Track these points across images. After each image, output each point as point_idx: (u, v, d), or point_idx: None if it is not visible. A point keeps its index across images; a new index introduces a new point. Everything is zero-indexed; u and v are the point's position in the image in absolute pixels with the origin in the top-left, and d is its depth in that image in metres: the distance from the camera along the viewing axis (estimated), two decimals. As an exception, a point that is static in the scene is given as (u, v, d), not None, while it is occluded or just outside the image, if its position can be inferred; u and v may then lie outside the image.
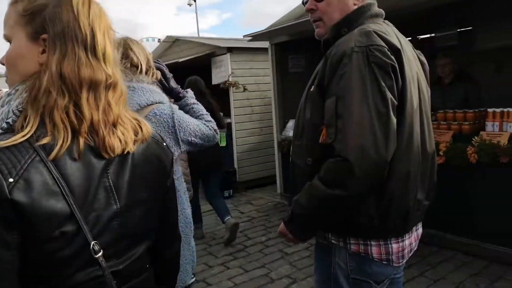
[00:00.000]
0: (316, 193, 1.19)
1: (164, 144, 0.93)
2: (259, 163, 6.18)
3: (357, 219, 1.23)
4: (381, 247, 1.25)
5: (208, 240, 4.21)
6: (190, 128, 1.62)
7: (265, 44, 5.36)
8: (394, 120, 1.12)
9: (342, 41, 1.19)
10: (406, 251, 1.31)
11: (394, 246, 1.26)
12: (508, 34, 4.46)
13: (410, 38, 5.61)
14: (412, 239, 1.34)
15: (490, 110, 3.29)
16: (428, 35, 5.46)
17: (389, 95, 1.11)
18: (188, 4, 23.25)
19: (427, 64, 1.42)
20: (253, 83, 6.06)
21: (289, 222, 1.30)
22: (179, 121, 1.59)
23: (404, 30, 4.37)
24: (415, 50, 1.39)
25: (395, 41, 1.18)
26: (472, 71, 4.43)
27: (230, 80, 5.85)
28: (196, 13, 27.30)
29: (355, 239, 1.26)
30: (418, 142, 1.25)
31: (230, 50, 5.85)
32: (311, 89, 1.28)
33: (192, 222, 1.74)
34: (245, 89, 5.92)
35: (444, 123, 3.60)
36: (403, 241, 1.28)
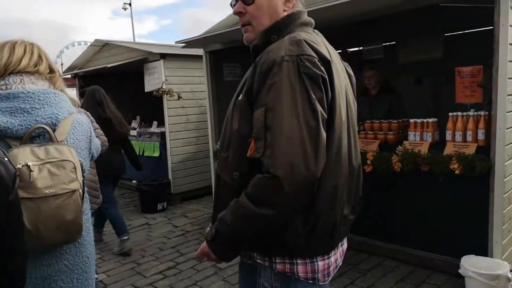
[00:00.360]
0: (243, 211, 1.12)
1: (6, 159, 0.88)
2: (195, 174, 5.99)
3: (283, 238, 1.18)
4: (307, 265, 1.22)
5: (137, 258, 3.94)
6: (95, 140, 1.56)
7: (200, 51, 5.24)
8: (324, 134, 1.10)
9: (272, 49, 1.15)
10: (331, 268, 1.28)
11: (320, 264, 1.23)
12: (426, 49, 4.80)
13: (340, 51, 5.87)
14: (337, 255, 1.32)
15: (412, 120, 3.46)
16: (356, 48, 5.71)
17: (319, 108, 1.09)
18: (123, 9, 23.09)
19: (354, 77, 1.42)
20: (188, 91, 5.88)
21: (212, 241, 1.21)
22: (91, 131, 1.53)
23: (335, 42, 4.46)
24: (343, 62, 1.39)
25: (325, 52, 1.16)
26: (395, 83, 4.68)
27: (163, 87, 5.62)
28: (132, 18, 26.51)
29: (281, 258, 1.21)
30: (346, 155, 1.23)
31: (163, 56, 5.63)
32: (239, 98, 1.22)
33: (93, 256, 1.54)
34: (179, 97, 5.71)
35: (371, 133, 3.73)
36: (329, 258, 1.26)
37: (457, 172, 2.92)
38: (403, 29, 4.92)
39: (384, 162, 3.36)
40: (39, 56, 1.43)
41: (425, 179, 3.20)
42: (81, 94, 4.93)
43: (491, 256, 2.83)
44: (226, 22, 4.66)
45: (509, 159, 2.91)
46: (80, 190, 1.30)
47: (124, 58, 6.18)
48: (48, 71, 1.44)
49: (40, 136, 1.30)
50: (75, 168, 1.28)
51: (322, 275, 1.24)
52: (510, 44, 2.79)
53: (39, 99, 1.33)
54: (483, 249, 2.89)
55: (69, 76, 8.39)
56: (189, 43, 5.11)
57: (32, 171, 1.19)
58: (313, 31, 1.30)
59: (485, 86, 3.13)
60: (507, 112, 2.81)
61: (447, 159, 2.99)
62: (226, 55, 5.21)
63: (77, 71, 7.09)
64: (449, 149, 3.07)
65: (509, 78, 2.80)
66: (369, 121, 3.86)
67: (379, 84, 4.34)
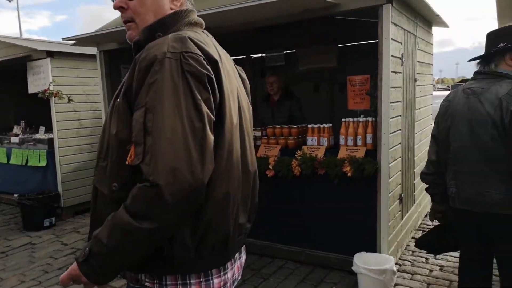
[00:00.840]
0: (121, 226, 1.00)
1: None
2: (89, 184, 5.45)
3: (170, 253, 1.07)
4: (202, 284, 1.12)
5: (15, 284, 3.39)
6: None
7: (94, 50, 4.81)
8: (211, 137, 1.02)
9: (154, 45, 1.05)
10: (228, 284, 1.21)
11: (216, 281, 1.15)
12: (322, 58, 5.08)
13: (244, 56, 5.91)
14: (235, 269, 1.25)
15: (309, 126, 3.60)
16: (259, 55, 5.83)
17: (205, 109, 1.01)
18: (8, 0, 21.21)
19: (247, 81, 1.38)
20: (81, 93, 5.33)
21: (84, 262, 1.07)
22: None
23: (238, 47, 4.47)
24: (236, 66, 1.35)
25: (213, 52, 1.10)
26: (296, 90, 4.86)
27: (50, 89, 5.02)
28: (18, 11, 23.41)
29: (173, 277, 1.11)
30: (239, 161, 1.17)
31: (50, 54, 5.00)
32: (118, 100, 1.11)
33: None
34: (70, 100, 5.11)
35: (273, 138, 3.80)
36: (225, 273, 1.18)
37: (349, 174, 3.10)
38: (302, 38, 5.15)
39: (284, 167, 3.43)
40: None
41: (322, 182, 3.34)
42: None
43: (379, 252, 3.05)
44: (121, 20, 4.35)
45: (393, 161, 3.18)
46: None
47: (3, 55, 5.41)
48: None
49: None
50: None
51: None
52: (392, 56, 3.06)
53: None
54: (374, 246, 3.11)
55: None
56: (80, 41, 4.64)
57: None
58: (203, 32, 1.24)
59: (371, 94, 3.40)
60: (391, 118, 3.07)
61: (341, 162, 3.16)
62: (124, 55, 4.84)
63: None
64: (342, 153, 3.25)
65: (391, 87, 3.07)
66: (271, 127, 3.93)
67: (281, 90, 4.47)
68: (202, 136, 0.99)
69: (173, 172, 0.95)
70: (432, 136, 2.28)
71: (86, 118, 5.41)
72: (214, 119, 1.05)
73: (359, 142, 3.29)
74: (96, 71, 4.94)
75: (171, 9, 1.20)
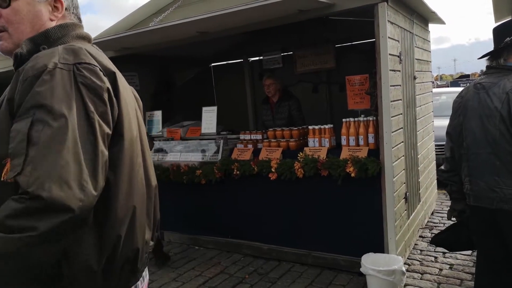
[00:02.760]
0: None
1: None
2: None
3: (72, 278, 0.96)
4: None
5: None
6: None
7: (90, 59, 4.79)
8: (104, 151, 0.96)
9: (43, 55, 0.99)
10: None
11: None
12: (320, 59, 5.08)
13: (241, 60, 5.91)
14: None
15: (310, 127, 3.58)
16: (257, 58, 5.83)
17: (98, 122, 0.95)
18: None
19: (140, 100, 1.33)
20: None
21: None
22: None
23: (235, 52, 4.43)
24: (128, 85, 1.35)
25: (108, 63, 1.07)
26: (294, 91, 4.86)
27: None
28: None
29: None
30: (142, 175, 1.13)
31: None
32: None
33: None
34: None
35: (274, 140, 3.78)
36: None
37: (352, 175, 3.07)
38: (299, 40, 5.15)
39: (287, 169, 3.41)
40: None
41: (325, 183, 3.32)
42: None
43: (387, 252, 3.03)
44: (117, 28, 4.35)
45: (396, 160, 3.16)
46: None
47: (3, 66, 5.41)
48: None
49: None
50: None
51: None
52: (390, 54, 3.04)
53: None
54: (381, 246, 3.08)
55: None
56: (78, 51, 4.65)
57: None
58: (92, 46, 1.18)
59: (371, 93, 3.38)
60: (392, 116, 3.05)
61: (343, 163, 3.14)
62: (122, 63, 4.82)
63: None
64: (344, 153, 3.23)
65: (391, 86, 3.05)
66: (271, 129, 3.92)
67: (279, 91, 4.47)
68: (93, 149, 0.93)
69: (60, 183, 0.85)
70: (447, 133, 2.26)
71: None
72: (110, 132, 0.99)
73: (361, 142, 3.28)
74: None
75: (51, 20, 1.13)
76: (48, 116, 0.89)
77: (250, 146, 3.91)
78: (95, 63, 1.00)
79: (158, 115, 5.07)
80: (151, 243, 1.21)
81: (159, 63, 5.37)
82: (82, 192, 0.88)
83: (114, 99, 1.02)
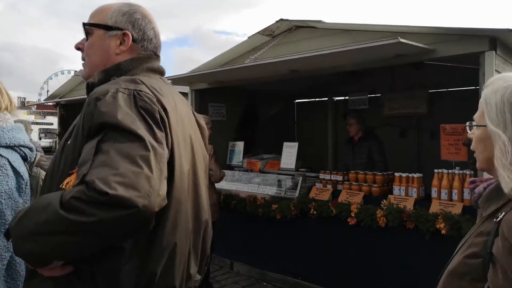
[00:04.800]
0: (51, 213, 0.90)
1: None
2: None
3: None
4: None
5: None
6: None
7: (186, 89, 5.21)
8: (164, 170, 0.97)
9: (106, 84, 1.06)
10: None
11: None
12: (411, 103, 4.87)
13: (326, 99, 5.93)
14: None
15: (397, 174, 3.40)
16: (342, 98, 5.79)
17: (161, 140, 0.97)
18: None
19: (206, 129, 1.37)
20: None
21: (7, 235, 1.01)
22: None
23: (322, 90, 4.45)
24: (195, 113, 1.34)
25: (165, 99, 1.07)
26: (380, 134, 4.69)
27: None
28: None
29: None
30: (187, 209, 1.11)
31: None
32: (68, 142, 1.10)
33: None
34: None
35: (356, 184, 3.65)
36: None
37: (443, 231, 2.82)
38: (388, 82, 5.02)
39: (368, 216, 3.25)
40: (7, 93, 1.54)
41: (410, 237, 3.08)
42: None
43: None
44: (213, 63, 4.67)
45: (495, 221, 2.82)
46: None
47: None
48: (14, 108, 1.56)
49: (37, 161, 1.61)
50: None
51: None
52: (495, 105, 2.80)
53: (25, 132, 1.58)
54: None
55: (51, 104, 8.22)
56: (175, 80, 5.07)
57: None
58: (160, 78, 1.21)
59: (469, 145, 3.11)
60: (493, 172, 2.76)
61: (433, 217, 2.90)
62: (212, 94, 5.18)
63: (58, 99, 6.93)
64: (435, 207, 2.99)
65: (494, 139, 2.78)
66: (353, 172, 3.80)
67: (361, 131, 4.39)
68: (160, 159, 0.94)
69: (126, 186, 0.87)
70: None
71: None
72: (167, 157, 1.00)
73: (455, 197, 3.01)
74: (188, 108, 5.28)
75: (116, 54, 1.17)
76: (116, 132, 0.93)
77: (329, 186, 3.82)
78: (151, 94, 1.03)
79: (240, 145, 5.24)
80: (198, 277, 1.19)
81: (246, 96, 5.60)
82: (147, 195, 0.89)
83: (168, 129, 1.03)
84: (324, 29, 3.52)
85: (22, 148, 1.50)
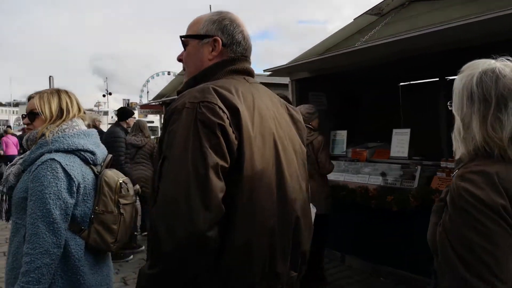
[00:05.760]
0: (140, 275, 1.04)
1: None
2: None
3: None
4: None
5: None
6: None
7: (285, 80, 5.18)
8: (216, 182, 0.99)
9: (181, 96, 1.12)
10: None
11: None
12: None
13: (437, 79, 5.39)
14: None
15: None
16: (455, 77, 5.19)
17: (211, 156, 1.00)
18: None
19: (301, 121, 1.36)
20: None
21: None
22: None
23: (432, 71, 3.98)
24: (290, 107, 1.35)
25: (236, 100, 1.10)
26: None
27: None
28: None
29: None
30: (264, 208, 1.09)
31: None
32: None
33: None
34: None
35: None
36: None
37: None
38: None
39: None
40: (77, 102, 1.74)
41: None
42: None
43: None
44: (314, 51, 4.55)
45: None
46: None
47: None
48: (85, 115, 1.76)
49: (108, 163, 1.74)
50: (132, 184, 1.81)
51: None
52: None
53: (98, 137, 1.75)
54: None
55: (156, 103, 8.91)
56: (276, 72, 5.08)
57: (126, 184, 1.69)
58: (244, 78, 1.24)
59: None
60: None
61: None
62: (312, 83, 5.07)
63: (165, 99, 7.46)
64: None
65: None
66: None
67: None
68: (204, 181, 0.97)
69: (170, 218, 0.96)
70: None
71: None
72: (226, 164, 1.02)
73: None
74: (284, 99, 5.26)
75: (209, 59, 1.24)
76: (170, 152, 1.02)
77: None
78: (216, 102, 1.05)
79: (342, 134, 5.04)
80: (293, 274, 1.19)
81: (347, 83, 5.37)
82: (192, 226, 0.94)
83: (233, 133, 1.05)
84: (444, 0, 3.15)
85: (82, 153, 1.62)
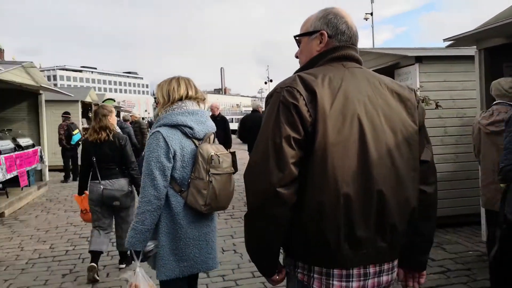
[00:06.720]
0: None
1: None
2: (454, 197, 4.83)
3: (293, 242, 1.29)
4: (322, 281, 1.26)
5: None
6: None
7: (466, 51, 4.34)
8: (288, 150, 1.20)
9: (278, 83, 1.34)
10: None
11: (336, 284, 1.25)
12: None
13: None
14: (367, 283, 1.28)
15: None
16: None
17: (285, 129, 1.21)
18: (364, 19, 25.93)
19: (411, 100, 1.37)
20: (447, 98, 4.90)
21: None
22: None
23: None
24: (398, 85, 1.39)
25: (317, 84, 1.25)
26: None
27: (418, 94, 3.57)
28: (373, 27, 25.38)
29: (301, 267, 1.30)
30: (337, 176, 1.21)
31: (419, 59, 4.88)
32: None
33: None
34: (437, 106, 4.57)
35: None
36: (348, 281, 1.25)
37: None
38: None
39: None
40: (195, 87, 2.22)
41: None
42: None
43: None
44: (508, 13, 3.63)
45: None
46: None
47: (371, 66, 5.34)
48: (201, 97, 2.23)
49: (209, 138, 2.16)
50: (232, 159, 2.16)
51: None
52: None
53: (205, 116, 2.21)
54: None
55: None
56: (459, 41, 4.44)
57: (219, 157, 2.06)
58: (342, 64, 1.36)
59: None
60: None
61: None
62: (507, 52, 4.13)
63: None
64: None
65: None
66: None
67: None
68: (279, 149, 1.20)
69: (252, 175, 1.25)
70: None
71: (452, 125, 4.95)
72: (299, 136, 1.21)
73: None
74: (466, 74, 4.53)
75: (317, 51, 1.40)
76: (261, 128, 1.28)
77: None
78: (296, 86, 1.25)
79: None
80: (381, 244, 1.25)
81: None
82: (266, 182, 1.20)
83: (308, 112, 1.22)
84: None
85: (182, 127, 2.08)
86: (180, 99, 2.14)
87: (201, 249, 2.12)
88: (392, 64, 5.39)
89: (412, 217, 1.32)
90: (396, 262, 1.34)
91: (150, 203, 1.97)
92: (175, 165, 2.03)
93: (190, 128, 2.09)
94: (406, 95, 1.37)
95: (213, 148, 2.08)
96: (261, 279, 3.52)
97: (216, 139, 2.24)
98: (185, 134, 2.09)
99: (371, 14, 25.91)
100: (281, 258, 1.34)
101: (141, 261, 2.06)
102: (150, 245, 2.06)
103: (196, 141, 2.11)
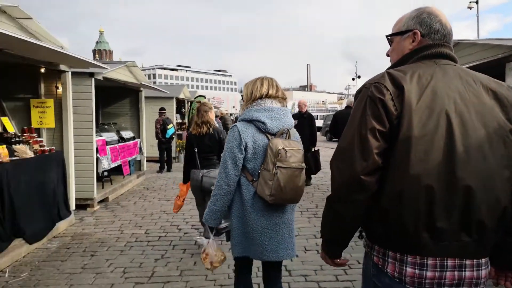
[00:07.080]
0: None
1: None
2: None
3: (372, 226, 1.36)
4: (396, 265, 1.29)
5: None
6: None
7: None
8: (373, 141, 1.26)
9: (368, 79, 1.39)
10: (426, 281, 1.26)
11: (409, 270, 1.27)
12: None
13: None
14: (445, 274, 1.26)
15: None
16: None
17: (370, 121, 1.27)
18: (468, 8, 23.85)
19: (509, 98, 1.33)
20: None
21: (322, 244, 1.53)
22: None
23: None
24: (497, 83, 1.36)
25: (405, 81, 1.28)
26: None
27: None
28: (478, 17, 23.72)
29: (377, 251, 1.35)
30: (418, 167, 1.23)
31: None
32: None
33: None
34: None
35: None
36: (422, 269, 1.26)
37: None
38: None
39: None
40: (277, 87, 2.36)
41: None
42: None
43: None
44: None
45: None
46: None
47: (475, 59, 5.12)
48: (282, 96, 2.37)
49: (283, 134, 2.26)
50: (303, 155, 2.25)
51: (410, 281, 1.27)
52: None
53: (282, 113, 2.30)
54: None
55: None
56: None
57: (286, 152, 2.13)
58: (433, 61, 1.36)
59: None
60: None
61: None
62: None
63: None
64: None
65: None
66: None
67: None
68: (364, 140, 1.27)
69: (338, 162, 1.33)
70: None
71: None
72: (384, 129, 1.26)
73: None
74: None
75: (409, 49, 1.42)
76: (350, 118, 1.36)
77: None
78: (384, 83, 1.29)
79: None
80: (465, 238, 1.25)
81: None
82: (350, 170, 1.27)
83: (393, 106, 1.26)
84: None
85: (256, 122, 2.23)
86: (261, 97, 2.29)
87: (271, 238, 2.23)
88: (502, 57, 4.84)
89: (504, 216, 1.29)
90: (484, 260, 1.31)
91: (221, 187, 2.20)
92: (246, 156, 2.20)
93: (263, 123, 2.22)
94: (503, 92, 1.35)
95: (283, 143, 2.16)
96: (345, 284, 3.41)
97: (290, 135, 2.30)
98: (258, 128, 2.23)
99: (476, 2, 23.59)
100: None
101: (214, 235, 2.34)
102: (223, 224, 2.33)
103: (269, 136, 2.23)
